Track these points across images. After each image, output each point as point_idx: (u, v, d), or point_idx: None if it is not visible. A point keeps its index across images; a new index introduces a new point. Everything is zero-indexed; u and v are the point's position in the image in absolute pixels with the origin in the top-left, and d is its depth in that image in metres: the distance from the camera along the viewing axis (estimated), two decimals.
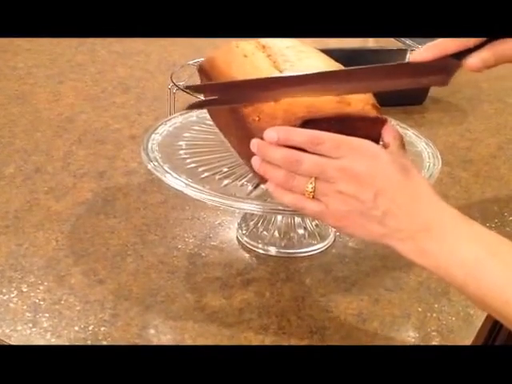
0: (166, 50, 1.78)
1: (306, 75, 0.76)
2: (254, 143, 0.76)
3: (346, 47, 1.50)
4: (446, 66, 0.75)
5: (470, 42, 0.73)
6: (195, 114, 1.06)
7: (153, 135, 0.97)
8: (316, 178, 0.72)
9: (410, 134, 1.03)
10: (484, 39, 0.72)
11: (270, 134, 0.74)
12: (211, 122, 0.99)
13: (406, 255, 0.70)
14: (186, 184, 0.87)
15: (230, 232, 1.01)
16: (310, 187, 0.72)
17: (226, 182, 0.90)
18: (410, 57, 0.76)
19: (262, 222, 1.01)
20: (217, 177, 0.91)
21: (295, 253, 0.98)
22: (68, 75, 1.60)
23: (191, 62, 1.33)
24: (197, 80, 1.03)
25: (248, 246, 0.98)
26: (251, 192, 0.89)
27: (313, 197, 0.72)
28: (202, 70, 0.93)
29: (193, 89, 0.88)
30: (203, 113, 1.03)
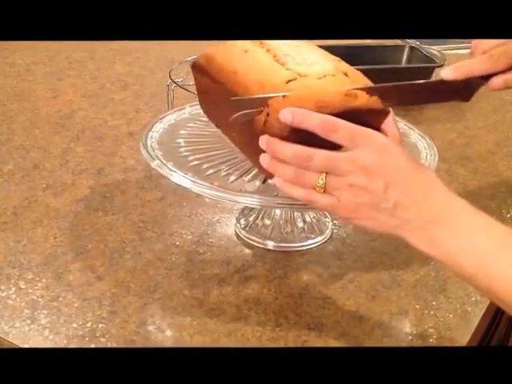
0: (165, 46, 1.78)
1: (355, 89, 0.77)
2: (263, 139, 0.75)
3: (343, 44, 1.50)
4: (470, 85, 0.79)
5: (497, 67, 0.78)
6: (188, 111, 1.06)
7: (150, 133, 0.98)
8: (327, 173, 0.72)
9: (402, 125, 1.03)
10: (510, 65, 0.78)
11: (286, 114, 0.73)
12: (205, 119, 0.99)
13: (416, 246, 0.71)
14: (192, 181, 0.88)
15: (228, 229, 1.01)
16: (320, 182, 0.72)
17: (232, 178, 0.90)
18: (440, 74, 0.79)
19: (262, 217, 1.01)
20: (222, 173, 0.91)
21: (294, 247, 0.98)
22: (66, 72, 1.60)
23: (189, 59, 1.33)
24: None
25: (246, 240, 0.99)
26: (260, 187, 0.89)
27: (324, 191, 0.72)
28: (197, 67, 0.93)
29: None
30: (196, 110, 1.04)
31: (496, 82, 0.80)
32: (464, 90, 0.80)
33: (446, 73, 0.79)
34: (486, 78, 0.79)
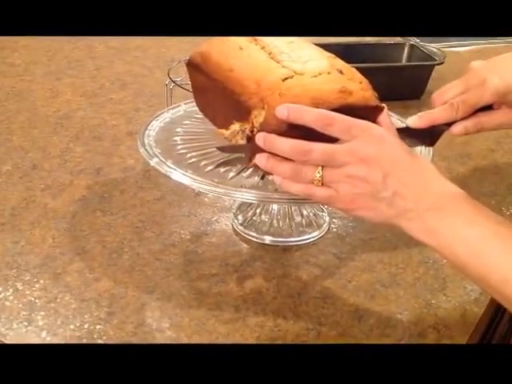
0: (164, 45, 1.78)
1: None
2: (260, 136, 0.76)
3: (344, 41, 1.50)
4: (434, 131, 0.85)
5: (458, 115, 0.84)
6: (183, 109, 1.06)
7: (147, 131, 0.97)
8: (323, 166, 0.72)
9: (395, 119, 1.03)
10: (469, 112, 0.84)
11: (281, 110, 0.74)
12: (200, 116, 0.99)
13: (413, 235, 0.71)
14: (191, 178, 0.87)
15: (227, 228, 1.01)
16: (317, 176, 0.72)
17: (231, 174, 0.90)
18: (407, 122, 0.85)
19: (259, 212, 1.01)
20: (221, 170, 0.91)
21: (292, 241, 0.98)
22: (65, 72, 1.60)
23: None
24: None
25: (244, 235, 0.99)
26: (259, 183, 0.89)
27: (321, 184, 0.73)
28: (193, 65, 0.93)
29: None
30: (191, 107, 1.04)
31: (457, 128, 0.85)
32: (428, 136, 0.86)
33: (411, 121, 0.84)
34: (449, 124, 0.85)
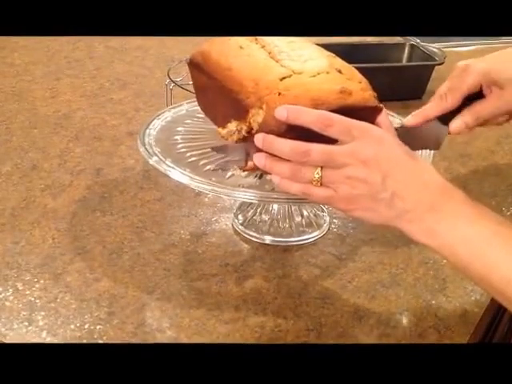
0: (165, 45, 1.77)
1: None
2: (259, 138, 0.75)
3: (345, 41, 1.50)
4: (436, 133, 0.85)
5: (447, 105, 0.84)
6: (185, 108, 1.06)
7: (147, 130, 0.97)
8: (322, 166, 0.72)
9: (396, 120, 1.03)
10: (460, 101, 0.84)
11: (281, 111, 0.74)
12: (202, 115, 0.99)
13: (412, 236, 0.71)
14: (190, 177, 0.87)
15: (227, 228, 1.01)
16: (316, 176, 0.72)
17: (229, 173, 0.90)
18: (403, 121, 0.86)
19: (260, 212, 1.01)
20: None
21: (292, 241, 0.98)
22: (65, 72, 1.60)
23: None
24: None
25: (244, 235, 0.99)
26: (256, 182, 0.89)
27: (320, 184, 0.73)
28: (194, 64, 0.93)
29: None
30: (193, 106, 1.04)
31: (456, 124, 0.85)
32: (430, 137, 0.86)
33: (407, 120, 0.85)
34: (446, 120, 0.85)
